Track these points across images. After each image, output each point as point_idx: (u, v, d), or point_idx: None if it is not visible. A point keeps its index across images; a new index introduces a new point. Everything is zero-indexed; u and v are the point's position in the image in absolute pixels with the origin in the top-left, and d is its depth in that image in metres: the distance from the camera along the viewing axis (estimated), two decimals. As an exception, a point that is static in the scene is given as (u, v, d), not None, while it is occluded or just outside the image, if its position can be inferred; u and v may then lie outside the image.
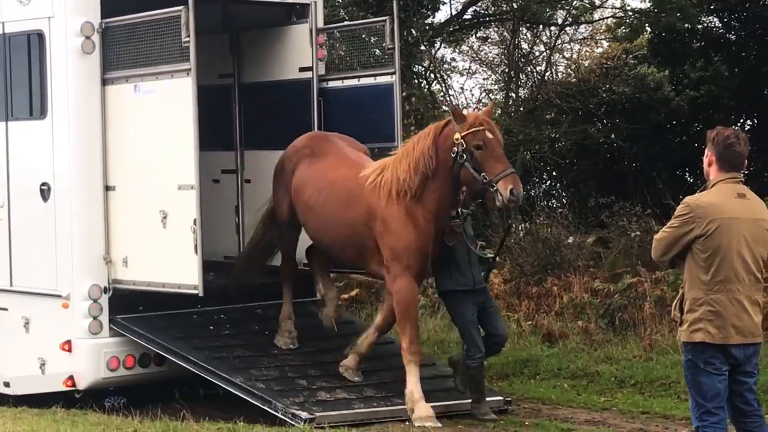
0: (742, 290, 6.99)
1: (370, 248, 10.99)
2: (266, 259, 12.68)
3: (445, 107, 22.99)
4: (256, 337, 12.25)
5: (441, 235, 10.75)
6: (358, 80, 12.78)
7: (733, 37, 22.31)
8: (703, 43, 22.32)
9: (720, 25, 22.54)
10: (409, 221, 10.62)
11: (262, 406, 10.73)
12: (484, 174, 10.19)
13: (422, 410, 10.48)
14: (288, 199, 11.75)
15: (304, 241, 12.41)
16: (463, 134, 10.29)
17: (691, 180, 21.80)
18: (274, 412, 10.59)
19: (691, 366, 7.10)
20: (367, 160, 11.44)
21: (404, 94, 19.90)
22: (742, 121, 22.65)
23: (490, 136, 10.30)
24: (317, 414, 10.42)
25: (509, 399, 11.64)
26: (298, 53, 12.96)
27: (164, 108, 11.52)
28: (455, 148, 10.31)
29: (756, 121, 22.44)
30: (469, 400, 11.17)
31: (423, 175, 10.49)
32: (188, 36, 11.04)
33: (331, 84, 12.89)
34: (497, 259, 12.77)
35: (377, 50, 13.56)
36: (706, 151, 7.26)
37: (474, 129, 10.29)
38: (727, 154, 7.12)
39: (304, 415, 10.37)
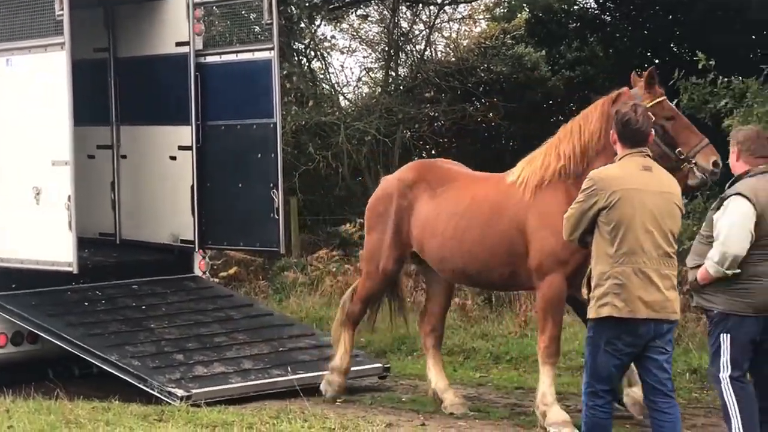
0: (648, 263, 6.92)
1: (523, 256, 9.43)
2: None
3: (325, 85, 22.99)
4: (132, 313, 12.09)
5: None
6: (236, 56, 12.68)
7: (608, 19, 22.64)
8: (578, 24, 22.61)
9: (595, 6, 22.87)
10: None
11: (138, 385, 10.62)
12: (679, 149, 8.85)
13: (556, 415, 9.27)
14: (402, 242, 10.31)
15: (180, 214, 12.37)
16: (650, 105, 8.82)
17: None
18: (150, 391, 10.49)
19: (591, 343, 7.08)
20: (495, 174, 10.24)
21: (285, 72, 19.86)
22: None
23: (673, 105, 9.26)
24: (193, 391, 10.35)
25: (388, 365, 11.76)
26: (175, 27, 12.79)
27: (38, 82, 11.31)
28: None
29: (631, 102, 22.79)
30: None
31: (589, 159, 9.07)
32: (62, 9, 10.84)
33: (209, 59, 12.75)
34: None
35: (257, 27, 13.49)
36: None
37: (659, 98, 9.09)
38: (626, 132, 7.16)
39: (179, 392, 10.28)
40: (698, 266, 7.54)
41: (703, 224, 7.78)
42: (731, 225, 7.38)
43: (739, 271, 7.35)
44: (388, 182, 10.68)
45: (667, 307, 6.98)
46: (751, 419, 7.37)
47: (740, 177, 7.61)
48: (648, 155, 7.19)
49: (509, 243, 9.45)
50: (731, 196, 7.49)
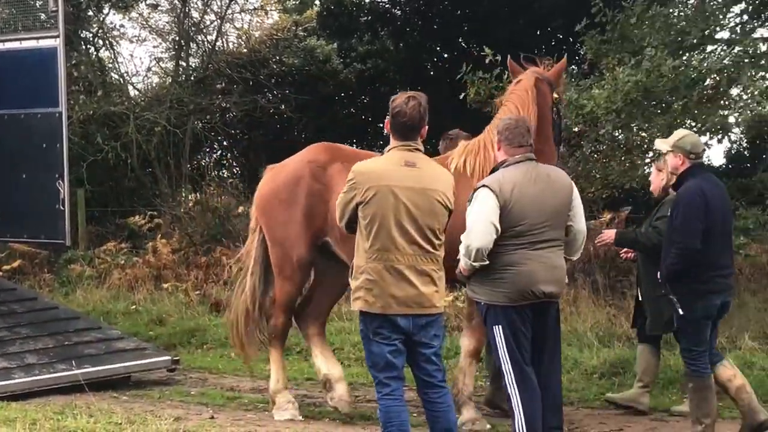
0: (402, 260, 6.88)
1: None
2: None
3: (114, 74, 22.61)
4: None
5: None
6: (20, 43, 12.37)
7: (399, 13, 22.93)
8: (370, 18, 22.83)
9: (386, 0, 23.10)
10: None
11: None
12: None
13: (470, 413, 9.16)
14: (315, 230, 9.45)
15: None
16: (560, 90, 9.43)
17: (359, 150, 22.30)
18: (-72, 388, 10.16)
19: (363, 335, 7.05)
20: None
21: (73, 61, 19.45)
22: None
23: None
24: (-26, 387, 10.07)
25: (177, 358, 11.64)
26: (-45, 13, 12.43)
27: None
28: (554, 108, 9.33)
29: (420, 95, 23.11)
30: (136, 362, 11.24)
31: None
32: None
33: (-10, 46, 12.42)
34: None
35: (42, 14, 13.21)
36: None
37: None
38: (395, 124, 7.08)
39: (-41, 389, 9.99)
40: None
41: None
42: (474, 218, 7.41)
43: (487, 262, 7.34)
44: (294, 165, 9.69)
45: (422, 302, 6.95)
46: (533, 414, 7.41)
47: (498, 167, 7.64)
48: (417, 149, 7.10)
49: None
50: (478, 188, 7.51)
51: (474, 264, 7.36)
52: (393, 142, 7.11)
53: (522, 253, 7.39)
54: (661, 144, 8.74)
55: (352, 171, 7.08)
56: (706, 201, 8.20)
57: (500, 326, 7.43)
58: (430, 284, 6.98)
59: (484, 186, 7.46)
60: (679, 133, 8.70)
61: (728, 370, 8.56)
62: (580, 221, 7.65)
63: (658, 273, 8.46)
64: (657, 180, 9.70)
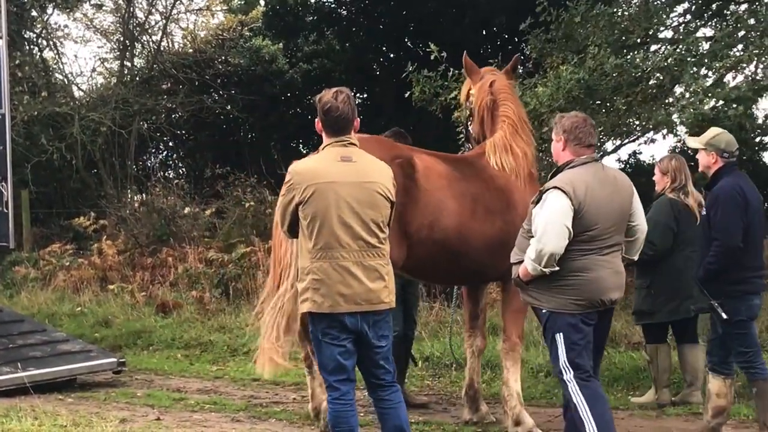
0: (347, 256, 6.75)
1: None
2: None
3: (59, 75, 22.47)
4: None
5: None
6: (-38, 44, 12.25)
7: (344, 13, 22.92)
8: (315, 18, 22.82)
9: (332, 0, 23.11)
10: None
11: None
12: None
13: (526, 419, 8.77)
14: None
15: None
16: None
17: (305, 151, 22.32)
18: None
19: (313, 337, 6.93)
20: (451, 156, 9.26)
21: (17, 62, 19.30)
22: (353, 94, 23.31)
23: None
24: None
25: (123, 360, 11.57)
26: None
27: None
28: None
29: (366, 95, 23.18)
30: (81, 364, 11.14)
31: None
32: None
33: (-68, 47, 12.29)
34: None
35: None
36: None
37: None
38: (328, 120, 6.92)
39: None
40: (521, 262, 7.18)
41: (526, 218, 7.31)
42: (547, 221, 6.97)
43: (557, 268, 6.98)
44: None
45: (371, 298, 6.83)
46: (603, 416, 7.06)
47: (562, 168, 7.23)
48: (352, 143, 6.99)
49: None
50: (549, 189, 7.07)
51: (544, 270, 7.03)
52: (326, 140, 6.98)
53: (591, 258, 7.03)
54: (693, 142, 8.43)
55: (288, 172, 6.93)
56: (746, 199, 8.00)
57: (562, 334, 7.11)
58: (378, 280, 6.85)
59: (555, 187, 7.06)
60: (713, 130, 8.37)
61: (724, 388, 8.31)
62: (642, 220, 7.37)
63: (696, 274, 8.22)
64: (662, 182, 9.77)
